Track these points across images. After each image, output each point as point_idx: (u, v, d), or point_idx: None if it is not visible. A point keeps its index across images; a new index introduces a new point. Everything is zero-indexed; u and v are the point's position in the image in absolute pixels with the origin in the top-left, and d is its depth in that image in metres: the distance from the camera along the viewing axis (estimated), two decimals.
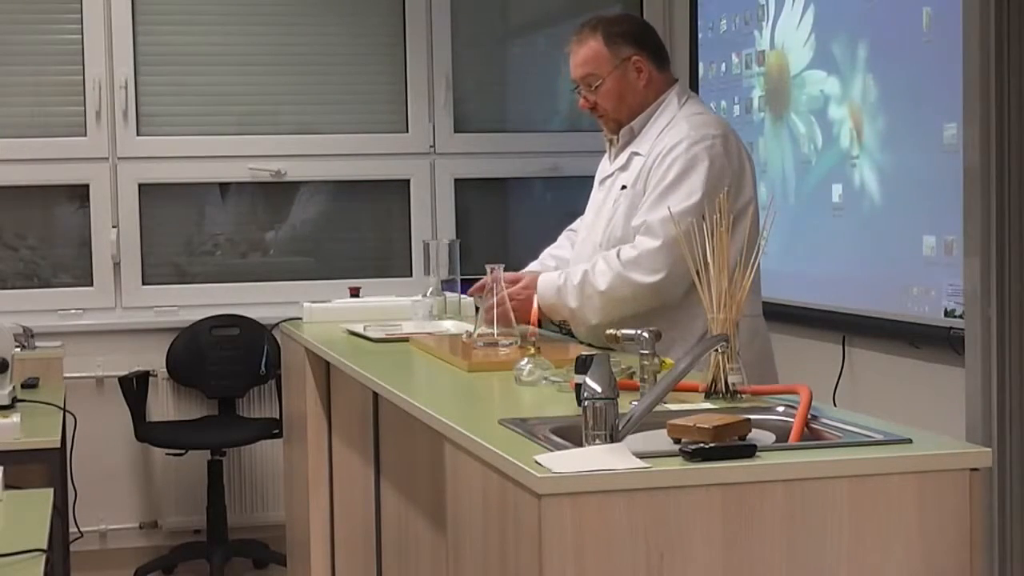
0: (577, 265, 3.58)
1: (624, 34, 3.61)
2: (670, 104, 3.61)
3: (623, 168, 3.62)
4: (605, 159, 3.80)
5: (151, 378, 5.94)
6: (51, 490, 3.11)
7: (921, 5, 4.40)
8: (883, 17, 4.65)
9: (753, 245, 3.11)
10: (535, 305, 3.42)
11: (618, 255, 3.43)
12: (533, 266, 3.92)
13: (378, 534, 3.98)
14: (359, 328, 4.09)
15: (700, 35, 5.92)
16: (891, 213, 4.61)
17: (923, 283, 4.41)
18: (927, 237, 4.39)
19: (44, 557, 2.50)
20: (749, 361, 3.18)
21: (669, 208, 3.25)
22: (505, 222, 6.57)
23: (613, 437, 2.25)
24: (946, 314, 4.29)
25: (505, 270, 3.58)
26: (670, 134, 3.51)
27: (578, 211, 3.93)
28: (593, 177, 3.87)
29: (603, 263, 3.45)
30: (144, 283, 6.12)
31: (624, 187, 3.57)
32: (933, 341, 4.37)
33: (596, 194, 3.76)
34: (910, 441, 2.34)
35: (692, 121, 3.53)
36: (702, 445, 2.22)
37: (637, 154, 3.59)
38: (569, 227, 4.03)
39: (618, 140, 3.68)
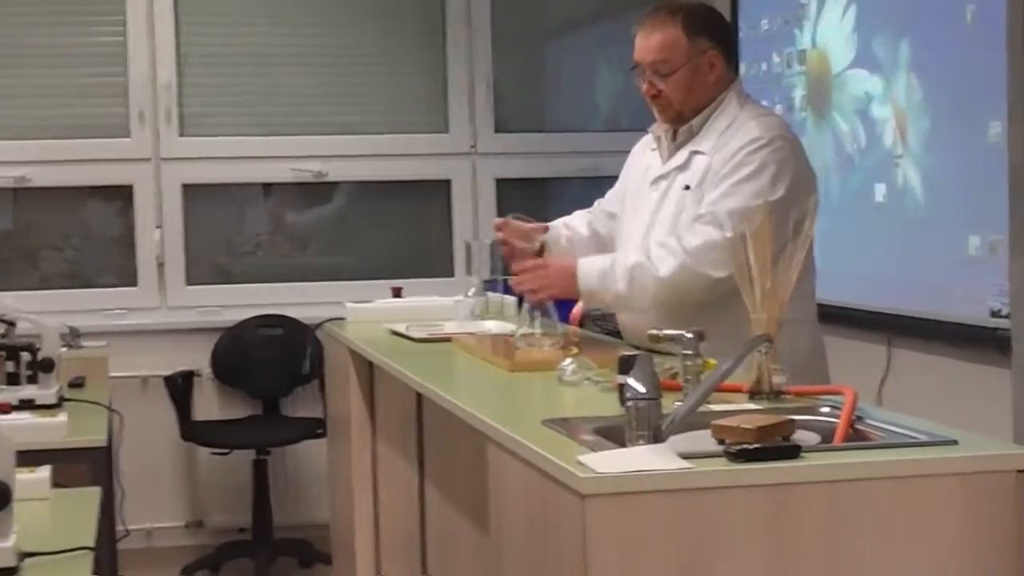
0: (623, 252, 3.46)
1: (705, 26, 3.48)
2: (730, 103, 3.49)
3: (682, 168, 3.48)
4: (648, 153, 3.65)
5: (196, 378, 5.97)
6: (98, 489, 3.12)
7: (964, 2, 4.37)
8: (926, 15, 4.62)
9: (809, 249, 3.05)
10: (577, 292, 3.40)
11: (679, 242, 3.31)
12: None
13: (422, 533, 3.99)
14: (402, 328, 4.11)
15: (741, 34, 5.90)
16: (935, 213, 4.59)
17: (968, 283, 4.39)
18: (972, 237, 4.36)
19: (91, 555, 2.51)
20: (805, 367, 3.17)
21: (739, 203, 3.14)
22: (545, 222, 6.55)
23: (656, 437, 2.25)
24: (992, 315, 4.27)
25: None
26: (739, 134, 3.39)
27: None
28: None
29: (661, 250, 3.32)
30: (188, 283, 6.16)
31: (688, 187, 3.44)
32: (979, 342, 4.34)
33: (648, 194, 3.57)
34: (955, 442, 2.33)
35: (761, 123, 3.42)
36: (746, 446, 2.22)
37: (698, 153, 3.45)
38: (588, 210, 3.89)
39: (670, 136, 3.55)
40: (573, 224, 3.84)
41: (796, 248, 2.83)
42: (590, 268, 3.41)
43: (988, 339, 4.25)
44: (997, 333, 4.19)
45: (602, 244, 3.78)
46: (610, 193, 3.87)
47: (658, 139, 3.61)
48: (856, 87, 5.02)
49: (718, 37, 3.51)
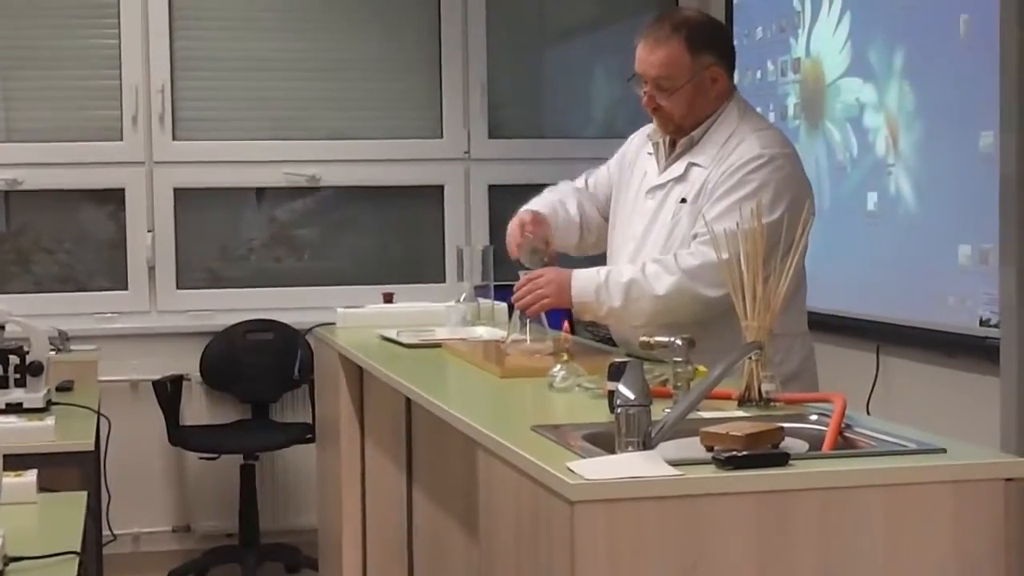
0: (618, 265, 3.46)
1: (708, 41, 3.44)
2: (730, 114, 3.45)
3: (679, 179, 3.45)
4: (645, 157, 3.61)
5: (185, 382, 5.95)
6: (85, 493, 3.12)
7: (958, 12, 4.38)
8: (920, 25, 4.63)
9: (800, 262, 3.03)
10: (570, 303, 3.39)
11: (676, 260, 3.29)
12: (534, 203, 3.77)
13: (410, 539, 3.98)
14: (392, 333, 4.10)
15: (736, 42, 5.87)
16: (926, 221, 4.59)
17: (958, 292, 4.39)
18: (963, 246, 4.37)
19: (77, 560, 2.51)
20: (796, 378, 3.18)
21: (736, 223, 3.01)
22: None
23: (646, 444, 2.25)
24: (981, 323, 4.27)
25: None
26: (739, 149, 3.36)
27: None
28: None
29: (658, 267, 3.30)
30: (179, 287, 6.14)
31: (684, 200, 3.41)
32: (968, 350, 4.35)
33: (643, 203, 3.54)
34: (944, 450, 2.33)
35: (762, 138, 3.38)
36: (735, 453, 2.22)
37: (696, 165, 3.42)
38: (576, 187, 3.85)
39: (668, 144, 3.52)
40: (571, 211, 3.78)
41: (789, 259, 2.82)
42: (585, 282, 3.38)
43: (977, 348, 4.26)
44: (986, 342, 4.20)
45: (583, 226, 3.78)
46: (601, 176, 3.83)
47: (655, 145, 3.58)
48: (849, 95, 5.02)
49: (721, 51, 3.48)
